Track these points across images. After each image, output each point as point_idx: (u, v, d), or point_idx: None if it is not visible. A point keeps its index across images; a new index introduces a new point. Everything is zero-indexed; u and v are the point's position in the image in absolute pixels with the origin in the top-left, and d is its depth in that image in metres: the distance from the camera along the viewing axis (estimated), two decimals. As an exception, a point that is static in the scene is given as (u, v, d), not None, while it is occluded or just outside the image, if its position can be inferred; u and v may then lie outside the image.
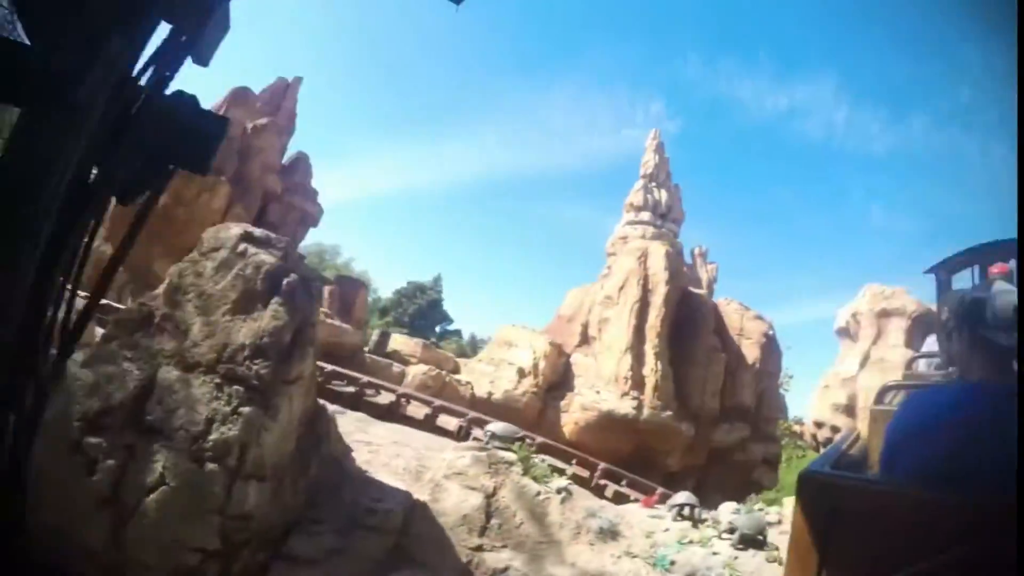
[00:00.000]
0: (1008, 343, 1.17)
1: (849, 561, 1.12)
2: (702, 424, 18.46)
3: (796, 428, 24.95)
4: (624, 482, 13.91)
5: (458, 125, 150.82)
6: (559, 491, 7.34)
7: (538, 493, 7.21)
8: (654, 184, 40.85)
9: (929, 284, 5.21)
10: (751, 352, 20.23)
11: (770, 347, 20.75)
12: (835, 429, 19.19)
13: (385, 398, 13.70)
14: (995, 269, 3.11)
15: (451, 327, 44.36)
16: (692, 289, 21.99)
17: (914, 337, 18.66)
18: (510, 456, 7.81)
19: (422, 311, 41.58)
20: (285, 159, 26.92)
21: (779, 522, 7.66)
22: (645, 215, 39.14)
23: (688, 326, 19.70)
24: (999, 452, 1.02)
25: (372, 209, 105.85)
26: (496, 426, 9.86)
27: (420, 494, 6.77)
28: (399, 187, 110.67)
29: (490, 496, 6.86)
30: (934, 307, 6.42)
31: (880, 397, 2.34)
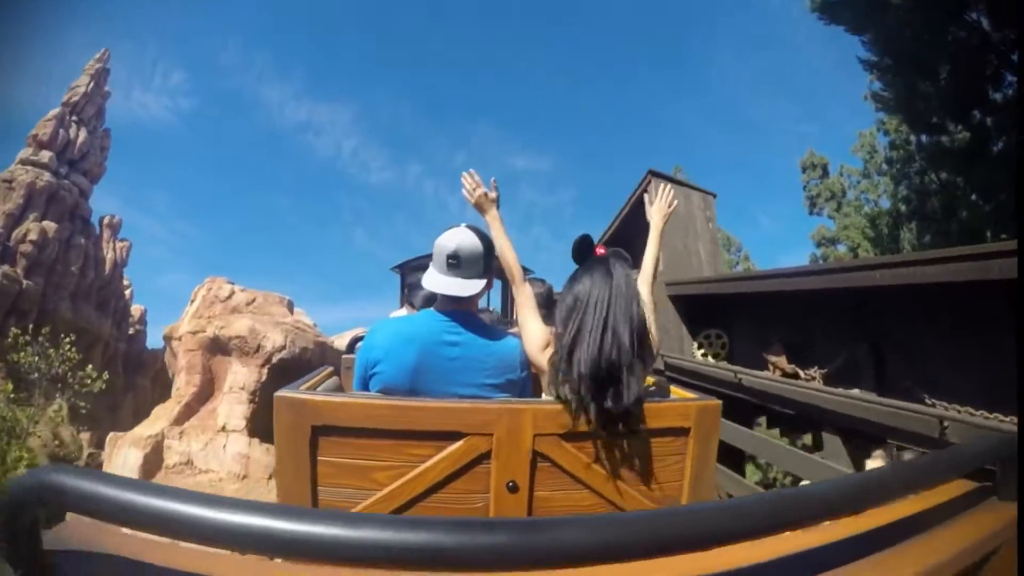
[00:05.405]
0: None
1: (339, 468, 1.38)
2: None
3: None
4: None
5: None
6: None
7: None
8: (75, 119, 30.78)
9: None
10: None
11: None
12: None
13: None
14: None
15: None
16: None
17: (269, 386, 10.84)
18: None
19: None
20: None
21: None
22: (47, 155, 28.53)
23: None
24: (443, 362, 1.51)
25: None
26: None
27: None
28: None
29: None
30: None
31: (351, 347, 2.75)
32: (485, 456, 1.37)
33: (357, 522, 0.57)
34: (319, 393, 1.53)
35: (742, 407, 4.58)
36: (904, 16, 8.75)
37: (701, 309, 6.43)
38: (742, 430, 4.39)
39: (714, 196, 7.60)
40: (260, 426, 10.23)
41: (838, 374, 4.50)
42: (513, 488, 1.38)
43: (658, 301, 6.55)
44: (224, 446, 10.53)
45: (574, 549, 0.57)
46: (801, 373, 4.81)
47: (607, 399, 1.36)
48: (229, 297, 12.73)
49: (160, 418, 11.28)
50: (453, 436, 1.37)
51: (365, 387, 1.58)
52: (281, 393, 1.40)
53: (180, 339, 11.82)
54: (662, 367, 5.53)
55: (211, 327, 11.49)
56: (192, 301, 13.22)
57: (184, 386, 11.29)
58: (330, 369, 1.98)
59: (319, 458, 1.37)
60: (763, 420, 5.64)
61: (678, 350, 6.36)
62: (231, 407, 10.81)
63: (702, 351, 6.27)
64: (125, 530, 0.68)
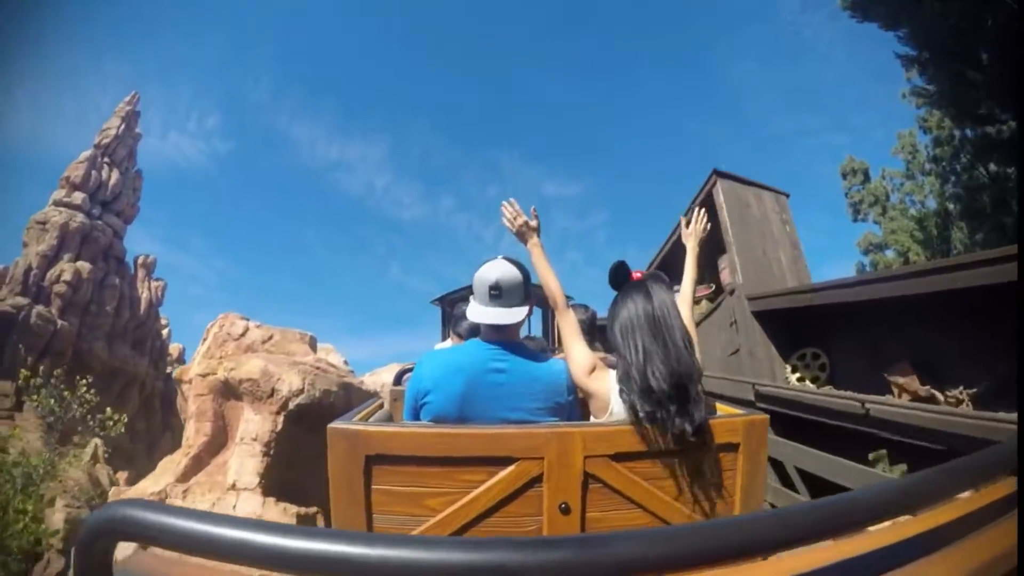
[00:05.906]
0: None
1: (393, 496, 1.43)
2: None
3: None
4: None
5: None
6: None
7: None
8: (107, 160, 32.28)
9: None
10: None
11: None
12: None
13: None
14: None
15: None
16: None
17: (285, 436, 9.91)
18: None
19: None
20: None
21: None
22: (79, 197, 29.92)
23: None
24: (490, 389, 1.58)
25: None
26: None
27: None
28: None
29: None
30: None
31: (398, 379, 2.79)
32: (537, 480, 1.42)
33: (428, 545, 0.61)
34: (371, 424, 1.60)
35: (861, 441, 3.90)
36: (939, 7, 8.62)
37: (791, 325, 5.63)
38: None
39: (787, 196, 6.81)
40: (276, 483, 9.48)
41: (991, 395, 3.77)
42: (565, 510, 1.41)
43: (740, 320, 5.63)
44: (234, 506, 9.36)
45: (632, 562, 0.60)
46: (939, 396, 4.07)
47: (685, 416, 1.41)
48: (243, 335, 11.58)
49: (167, 471, 10.13)
50: (504, 461, 1.42)
51: (416, 417, 1.64)
52: (334, 425, 1.48)
53: (190, 382, 10.62)
54: (752, 398, 4.80)
55: (221, 369, 10.27)
56: (204, 340, 12.06)
57: (194, 435, 10.08)
58: (380, 401, 2.05)
59: (372, 486, 1.43)
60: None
61: (768, 375, 5.53)
62: (242, 461, 9.60)
63: (797, 375, 5.49)
64: (190, 559, 0.72)
